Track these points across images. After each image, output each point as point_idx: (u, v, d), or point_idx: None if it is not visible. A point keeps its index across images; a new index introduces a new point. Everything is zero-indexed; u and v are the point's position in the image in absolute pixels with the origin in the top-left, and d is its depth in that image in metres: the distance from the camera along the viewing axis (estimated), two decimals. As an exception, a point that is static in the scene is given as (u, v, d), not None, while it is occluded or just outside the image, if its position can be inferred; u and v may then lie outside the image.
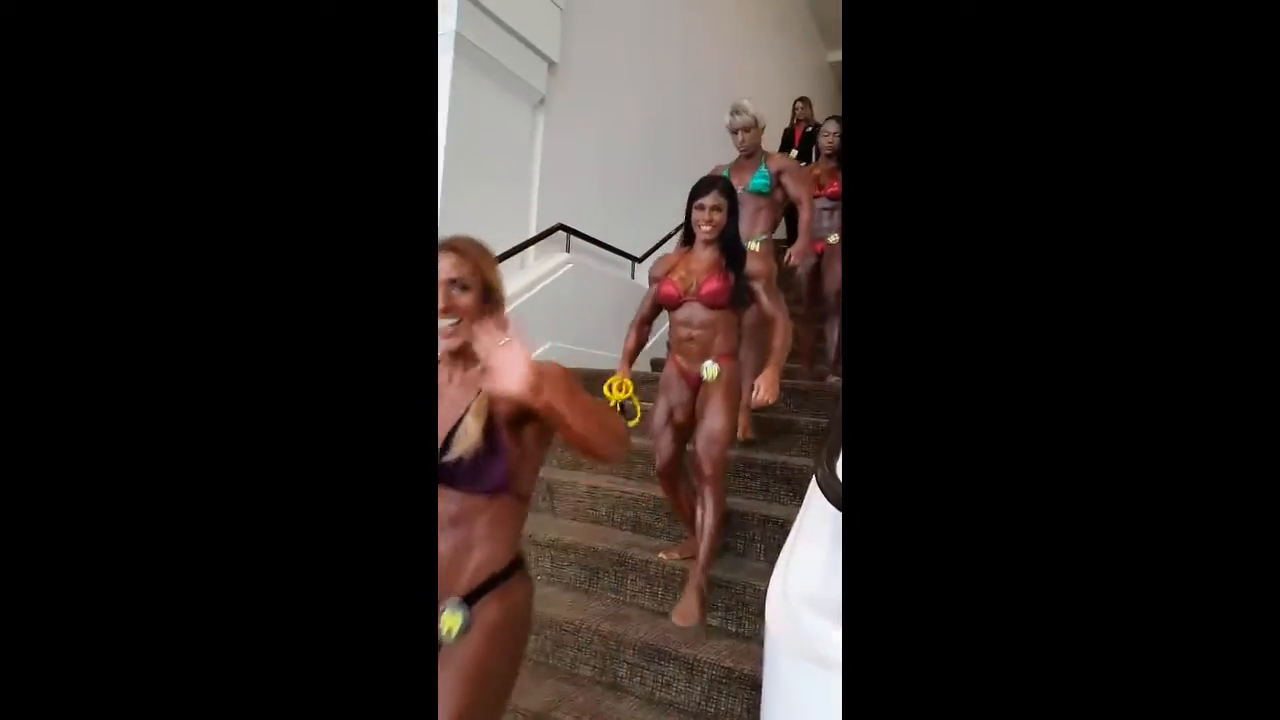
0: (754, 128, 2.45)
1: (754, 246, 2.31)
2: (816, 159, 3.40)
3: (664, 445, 1.88)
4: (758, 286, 1.77)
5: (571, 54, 3.51)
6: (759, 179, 2.45)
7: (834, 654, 1.00)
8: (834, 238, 3.04)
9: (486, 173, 3.04)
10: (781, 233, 3.04)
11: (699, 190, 1.80)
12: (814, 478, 1.22)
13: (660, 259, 1.93)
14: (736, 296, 1.77)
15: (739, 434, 2.28)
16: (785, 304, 1.83)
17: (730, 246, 1.79)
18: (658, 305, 1.90)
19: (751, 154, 2.49)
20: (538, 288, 3.25)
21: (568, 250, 3.53)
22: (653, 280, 1.90)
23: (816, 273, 3.06)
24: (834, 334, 2.97)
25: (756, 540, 1.95)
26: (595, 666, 1.71)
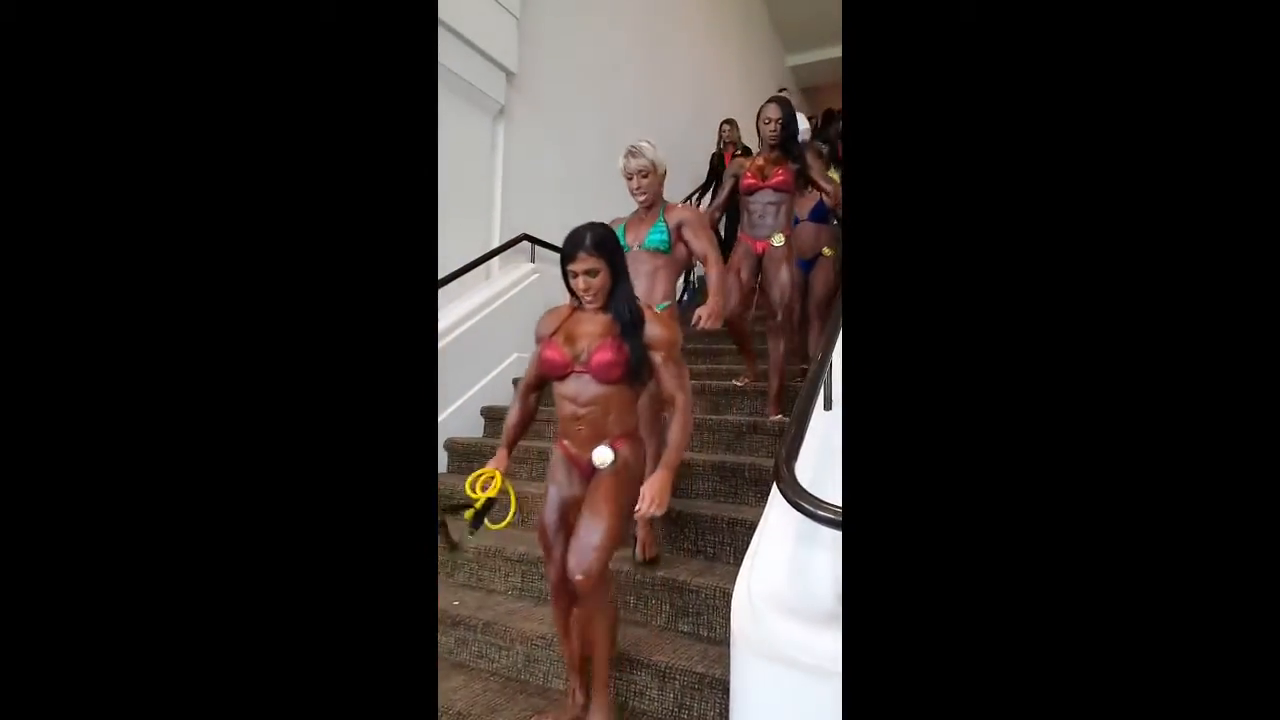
0: (652, 173, 2.08)
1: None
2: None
3: (557, 552, 1.49)
4: (658, 359, 1.46)
5: (529, 64, 3.51)
6: (655, 234, 2.09)
7: (798, 654, 1.01)
8: (778, 239, 2.56)
9: (449, 184, 3.02)
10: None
11: (566, 250, 1.46)
12: (775, 479, 1.23)
13: (548, 313, 1.59)
14: (633, 370, 1.44)
15: (638, 552, 1.91)
16: (688, 380, 1.50)
17: (621, 311, 1.46)
18: (542, 373, 1.55)
19: (651, 205, 2.13)
20: (504, 298, 3.23)
21: (533, 260, 3.52)
22: (538, 340, 1.55)
23: (757, 274, 2.62)
24: (779, 347, 2.53)
25: (726, 544, 1.96)
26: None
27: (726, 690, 1.46)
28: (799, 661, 1.00)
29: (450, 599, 1.96)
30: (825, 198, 2.81)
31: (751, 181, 2.53)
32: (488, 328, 3.10)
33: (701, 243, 2.09)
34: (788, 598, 1.12)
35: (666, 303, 2.07)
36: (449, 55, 2.93)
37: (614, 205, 4.24)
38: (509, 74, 3.37)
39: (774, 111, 2.54)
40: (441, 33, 2.89)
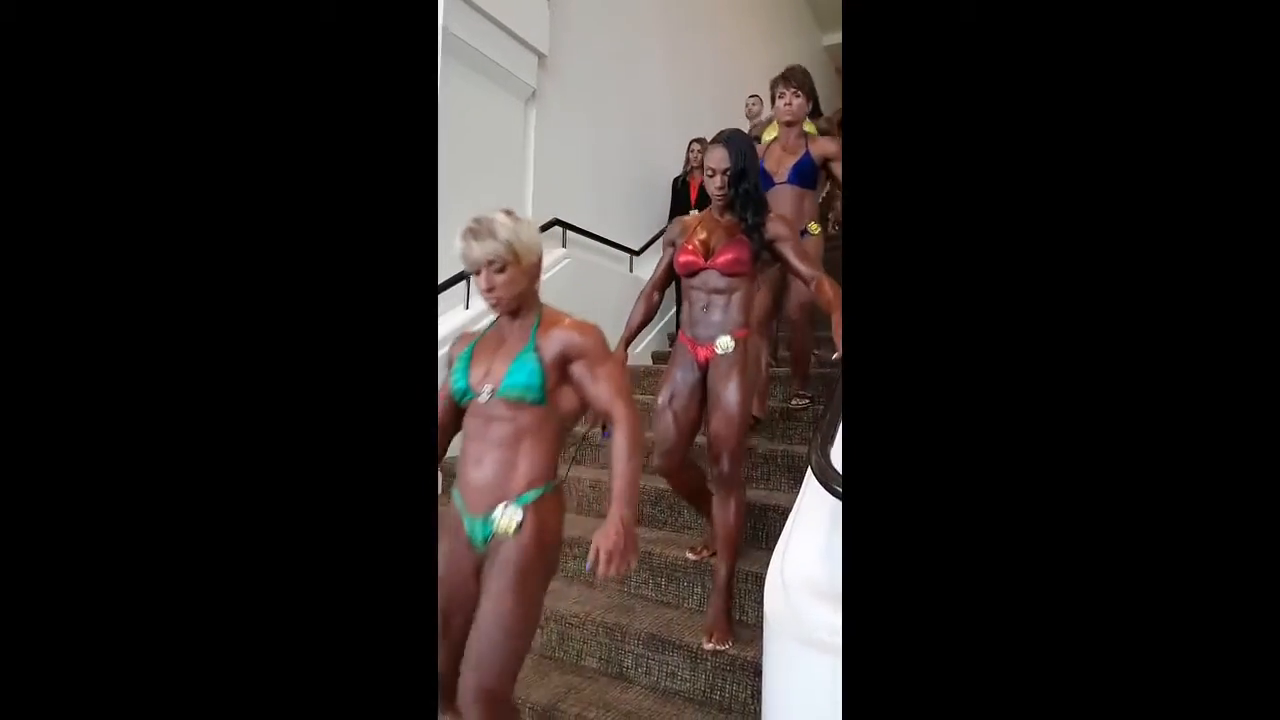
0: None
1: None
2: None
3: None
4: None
5: (561, 46, 3.50)
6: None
7: (831, 638, 1.01)
8: (724, 343, 1.80)
9: (480, 169, 3.04)
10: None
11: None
12: (809, 464, 1.22)
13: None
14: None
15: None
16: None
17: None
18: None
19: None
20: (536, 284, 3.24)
21: (564, 245, 3.53)
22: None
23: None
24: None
25: (759, 529, 1.96)
26: (601, 658, 1.72)
27: (757, 672, 1.46)
28: (831, 644, 1.00)
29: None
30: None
31: (690, 259, 1.66)
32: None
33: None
34: (821, 581, 1.12)
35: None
36: (479, 38, 2.93)
37: (647, 189, 4.23)
38: (541, 56, 3.36)
39: (717, 159, 1.63)
40: (471, 15, 2.89)
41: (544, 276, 3.27)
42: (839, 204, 2.73)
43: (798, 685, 1.10)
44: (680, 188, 4.06)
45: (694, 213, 1.79)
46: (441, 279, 2.77)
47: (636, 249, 4.10)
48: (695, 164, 3.82)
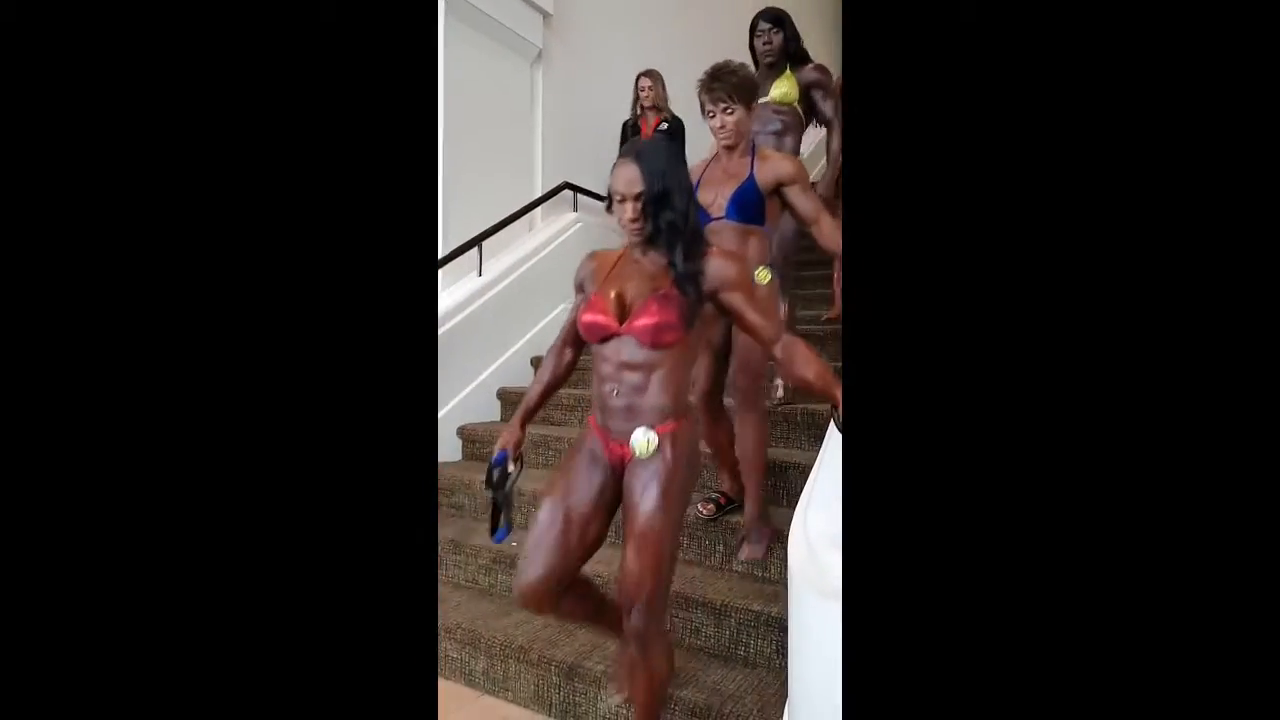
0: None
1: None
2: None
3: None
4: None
5: (566, 4, 3.41)
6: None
7: (856, 590, 1.00)
8: (643, 442, 1.15)
9: (488, 133, 3.00)
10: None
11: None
12: (831, 418, 1.20)
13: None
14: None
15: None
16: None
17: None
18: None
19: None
20: (548, 249, 3.22)
21: (575, 209, 3.49)
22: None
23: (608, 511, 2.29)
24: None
25: (780, 487, 1.95)
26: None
27: (781, 628, 1.47)
28: (858, 597, 1.00)
29: (510, 540, 2.02)
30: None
31: (595, 320, 1.19)
32: (533, 279, 3.10)
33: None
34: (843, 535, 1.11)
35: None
36: (483, -2, 2.87)
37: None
38: (546, 15, 3.28)
39: (625, 180, 1.14)
40: (475, -25, 2.82)
41: (556, 241, 3.17)
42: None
43: (823, 637, 1.10)
44: (631, 134, 3.27)
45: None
46: (453, 247, 2.76)
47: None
48: (646, 102, 3.20)
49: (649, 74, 3.23)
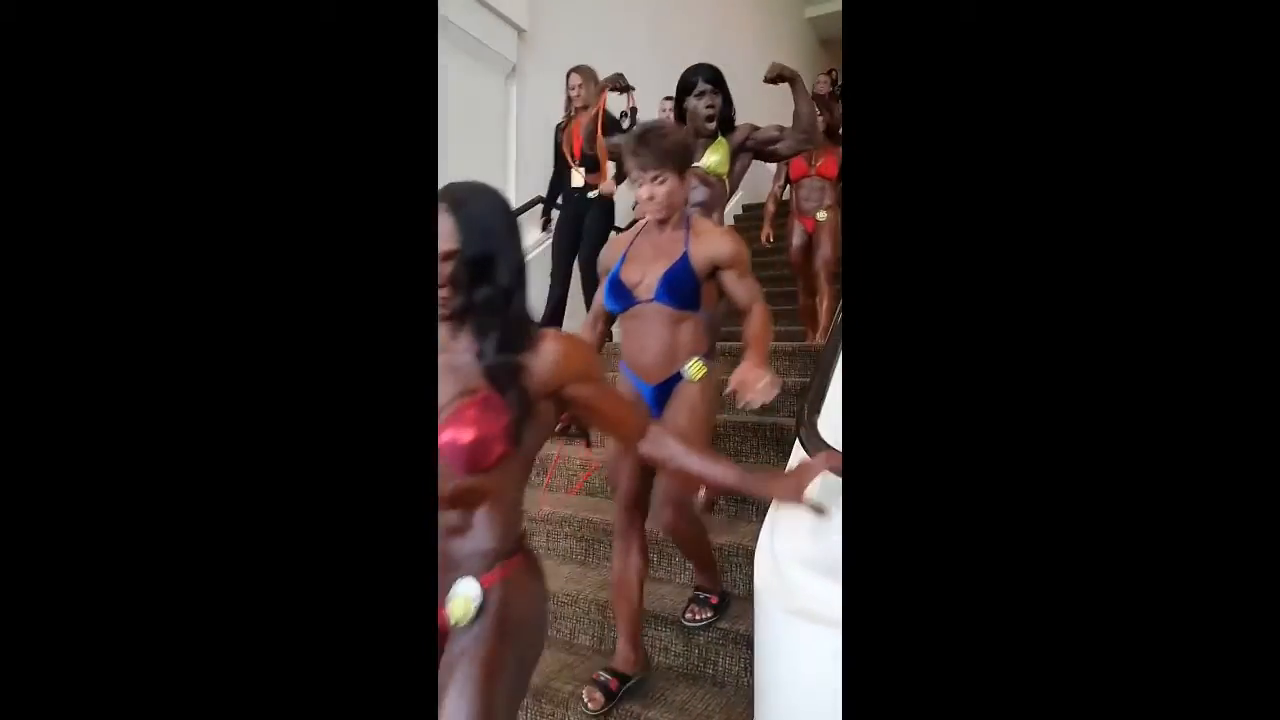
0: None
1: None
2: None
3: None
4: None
5: (541, 21, 3.43)
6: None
7: (821, 609, 1.01)
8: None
9: (463, 146, 2.99)
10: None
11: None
12: (796, 436, 1.21)
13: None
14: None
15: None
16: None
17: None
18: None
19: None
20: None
21: (546, 228, 3.49)
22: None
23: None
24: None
25: (748, 502, 1.96)
26: (594, 635, 1.72)
27: (749, 645, 1.47)
28: (823, 615, 1.00)
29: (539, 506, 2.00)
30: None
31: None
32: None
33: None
34: (811, 552, 1.12)
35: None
36: (457, 11, 2.88)
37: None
38: (520, 31, 3.30)
39: (442, 233, 0.79)
40: (450, -11, 2.83)
41: (530, 255, 3.15)
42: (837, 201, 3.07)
43: (790, 656, 1.11)
44: (559, 141, 2.92)
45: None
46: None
47: (623, 227, 4.07)
48: (578, 103, 2.84)
49: (579, 70, 2.82)
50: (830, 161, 3.12)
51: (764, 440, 2.16)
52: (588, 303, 1.90)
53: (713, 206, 1.90)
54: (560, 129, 2.92)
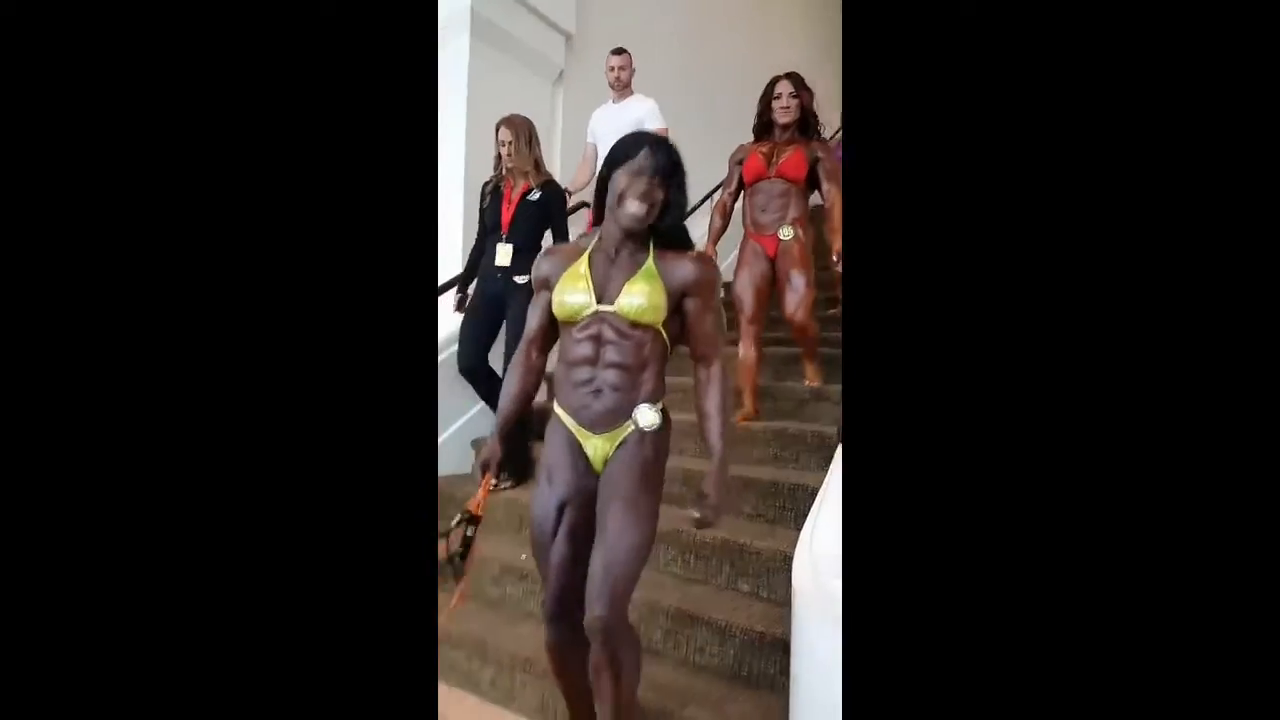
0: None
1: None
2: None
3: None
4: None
5: (588, 26, 3.48)
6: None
7: (860, 615, 1.01)
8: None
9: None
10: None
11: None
12: (839, 443, 1.22)
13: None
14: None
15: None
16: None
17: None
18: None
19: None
20: (564, 265, 3.24)
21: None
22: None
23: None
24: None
25: (787, 509, 1.96)
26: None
27: (785, 649, 1.47)
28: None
29: (518, 553, 2.04)
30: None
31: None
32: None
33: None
34: (850, 559, 1.13)
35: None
36: (506, 18, 2.94)
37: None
38: (568, 36, 3.34)
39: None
40: (499, -4, 2.89)
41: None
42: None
43: (827, 659, 1.11)
44: (491, 199, 2.44)
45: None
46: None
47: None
48: (508, 162, 2.35)
49: (509, 122, 2.33)
50: (797, 158, 2.15)
51: (805, 447, 2.16)
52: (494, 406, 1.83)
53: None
54: (488, 189, 2.47)
